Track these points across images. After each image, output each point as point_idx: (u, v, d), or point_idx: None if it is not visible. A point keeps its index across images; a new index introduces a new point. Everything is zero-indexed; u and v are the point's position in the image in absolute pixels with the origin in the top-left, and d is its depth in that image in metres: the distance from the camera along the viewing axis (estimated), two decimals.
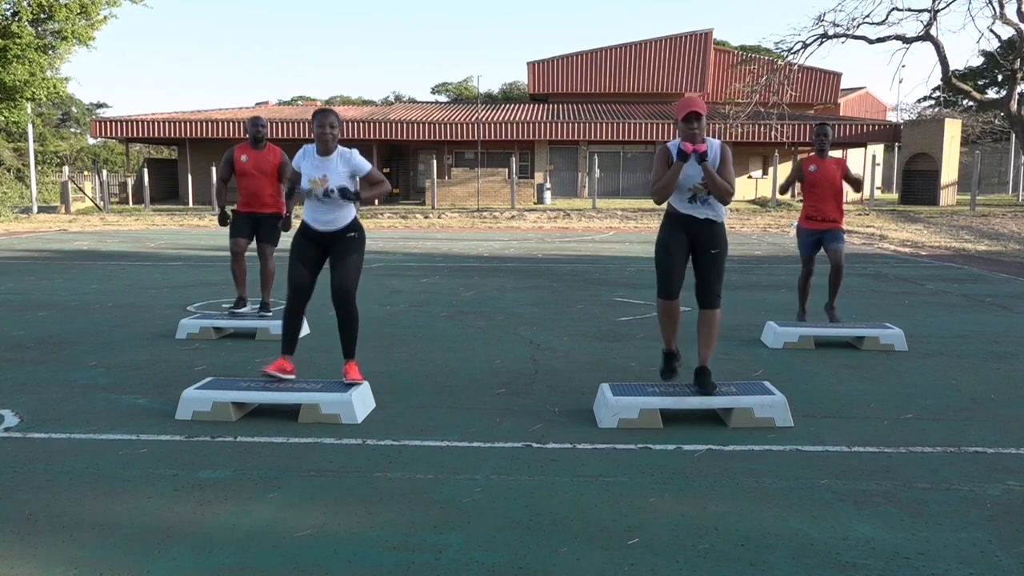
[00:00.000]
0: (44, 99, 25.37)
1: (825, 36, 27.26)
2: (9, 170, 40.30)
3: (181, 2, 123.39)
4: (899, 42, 26.71)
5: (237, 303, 7.09)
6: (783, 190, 7.15)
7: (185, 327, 6.79)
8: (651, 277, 6.76)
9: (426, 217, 25.12)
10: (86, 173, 36.98)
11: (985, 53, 38.46)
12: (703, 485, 3.56)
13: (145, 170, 30.79)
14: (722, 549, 2.95)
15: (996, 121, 38.21)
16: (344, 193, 4.57)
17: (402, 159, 36.39)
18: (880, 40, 27.04)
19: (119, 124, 33.24)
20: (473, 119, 32.43)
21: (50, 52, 23.68)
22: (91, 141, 54.34)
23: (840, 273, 6.79)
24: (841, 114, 39.46)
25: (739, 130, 30.66)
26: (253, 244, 7.05)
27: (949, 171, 30.87)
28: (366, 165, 4.67)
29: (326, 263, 4.81)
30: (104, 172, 31.20)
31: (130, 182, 34.31)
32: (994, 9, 24.97)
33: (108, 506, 3.31)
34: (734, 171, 4.64)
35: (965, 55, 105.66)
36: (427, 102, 48.64)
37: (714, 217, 4.65)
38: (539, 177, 33.24)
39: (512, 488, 3.52)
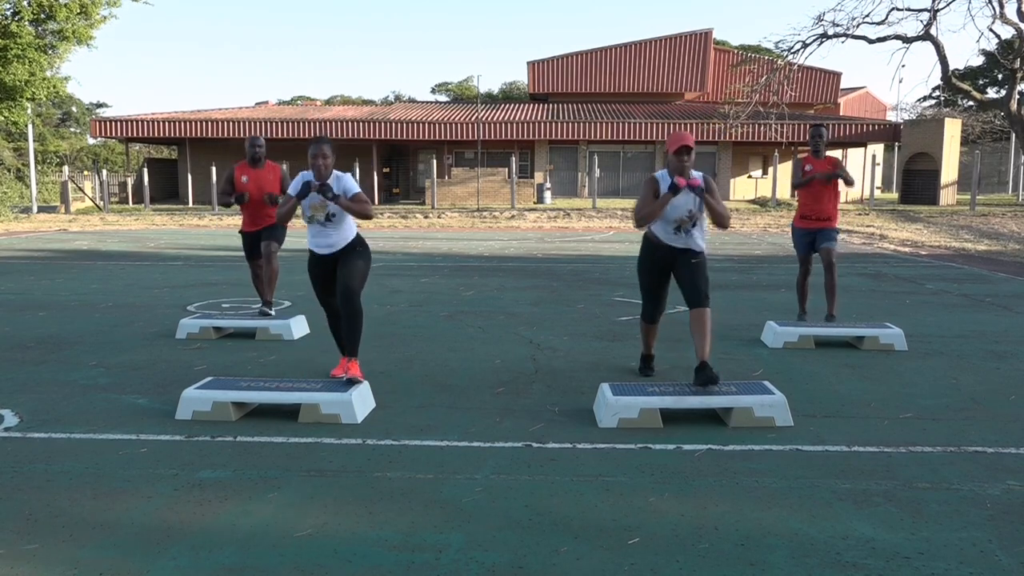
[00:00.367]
0: (44, 99, 25.36)
1: (825, 36, 27.19)
2: (9, 170, 40.24)
3: (181, 2, 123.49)
4: (899, 42, 26.65)
5: (264, 305, 7.18)
6: (799, 187, 7.06)
7: (185, 327, 6.80)
8: None
9: (426, 217, 25.12)
10: (86, 173, 36.92)
11: (985, 53, 38.41)
12: (703, 485, 3.56)
13: (145, 170, 30.77)
14: (722, 549, 2.95)
15: (996, 121, 38.21)
16: (323, 190, 4.80)
17: (402, 159, 36.40)
18: (880, 40, 26.98)
19: (119, 124, 33.23)
20: (473, 119, 32.41)
21: (50, 52, 23.65)
22: (91, 141, 54.29)
23: (833, 272, 6.83)
24: (841, 114, 39.41)
25: (739, 130, 30.65)
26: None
27: (949, 171, 30.88)
28: (355, 188, 5.02)
29: None
30: (104, 172, 31.16)
31: (130, 182, 34.30)
32: (994, 9, 24.93)
33: (108, 506, 3.31)
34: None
35: (965, 55, 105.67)
36: (427, 102, 48.60)
37: (695, 247, 4.94)
38: (539, 177, 33.21)
39: (512, 488, 3.52)
